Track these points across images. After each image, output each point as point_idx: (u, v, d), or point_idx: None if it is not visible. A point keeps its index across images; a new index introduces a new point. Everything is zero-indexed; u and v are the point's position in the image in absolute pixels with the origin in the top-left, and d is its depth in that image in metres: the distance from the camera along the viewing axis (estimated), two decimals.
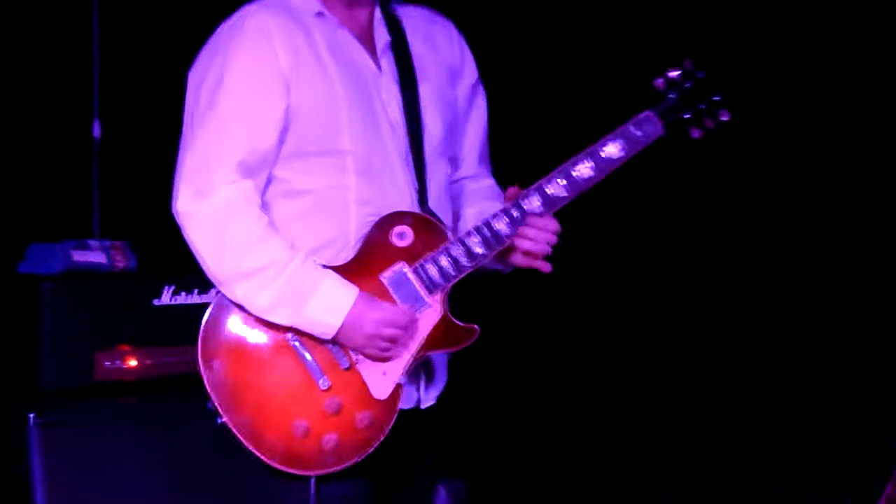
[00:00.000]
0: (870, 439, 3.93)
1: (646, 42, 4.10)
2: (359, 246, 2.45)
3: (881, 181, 4.01)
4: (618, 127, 2.45)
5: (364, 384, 2.42)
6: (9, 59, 3.87)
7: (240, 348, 2.41)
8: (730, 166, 4.10)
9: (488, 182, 2.71)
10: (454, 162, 2.65)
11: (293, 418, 2.38)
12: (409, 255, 2.44)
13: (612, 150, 2.44)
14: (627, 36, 4.26)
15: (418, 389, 2.53)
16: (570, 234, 2.49)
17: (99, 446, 3.10)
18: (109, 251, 3.35)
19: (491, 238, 2.45)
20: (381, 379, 2.43)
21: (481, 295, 2.56)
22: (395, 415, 2.42)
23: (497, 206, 2.52)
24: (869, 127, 4.00)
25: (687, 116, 2.47)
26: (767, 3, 4.00)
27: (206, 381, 2.40)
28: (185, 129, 2.47)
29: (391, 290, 2.44)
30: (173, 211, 2.42)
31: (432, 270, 2.44)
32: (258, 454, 2.39)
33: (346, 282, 2.40)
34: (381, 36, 2.54)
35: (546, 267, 2.47)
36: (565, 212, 2.48)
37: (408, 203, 2.49)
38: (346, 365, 2.42)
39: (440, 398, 2.58)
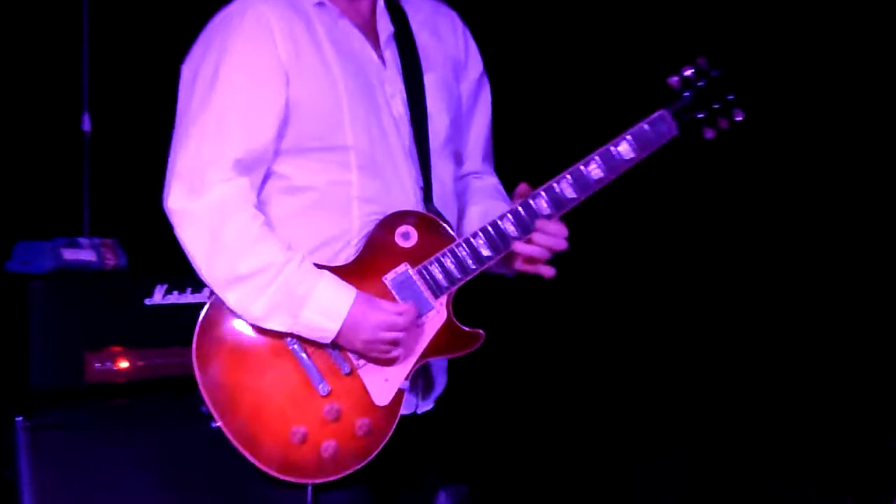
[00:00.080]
0: (870, 439, 4.01)
1: (658, 38, 4.12)
2: (361, 246, 2.40)
3: (883, 181, 4.02)
4: (630, 126, 2.41)
5: (365, 390, 2.37)
6: None
7: (237, 350, 2.36)
8: (729, 167, 4.11)
9: (492, 180, 2.67)
10: (457, 158, 2.60)
11: (291, 424, 2.34)
12: (414, 256, 2.39)
13: (623, 150, 2.40)
14: (639, 32, 4.27)
15: (416, 395, 2.49)
16: (570, 234, 2.45)
17: (89, 450, 3.09)
18: (100, 249, 3.35)
19: (497, 239, 2.40)
20: (383, 385, 2.38)
21: (480, 296, 2.52)
22: (396, 421, 2.38)
23: (501, 205, 2.49)
24: (876, 127, 4.01)
25: (701, 116, 2.43)
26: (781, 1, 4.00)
27: (200, 384, 2.35)
28: (178, 122, 2.41)
29: (394, 293, 2.39)
30: (165, 208, 2.37)
31: (437, 273, 2.39)
32: (254, 461, 2.34)
33: (343, 283, 2.35)
34: (385, 27, 2.50)
35: (548, 272, 2.43)
36: (565, 213, 2.45)
37: (412, 201, 2.44)
38: (347, 370, 2.37)
39: (438, 402, 2.54)
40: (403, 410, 2.40)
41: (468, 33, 2.64)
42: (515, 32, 4.33)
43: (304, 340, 2.35)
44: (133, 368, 3.22)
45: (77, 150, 3.91)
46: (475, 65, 2.63)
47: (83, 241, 3.34)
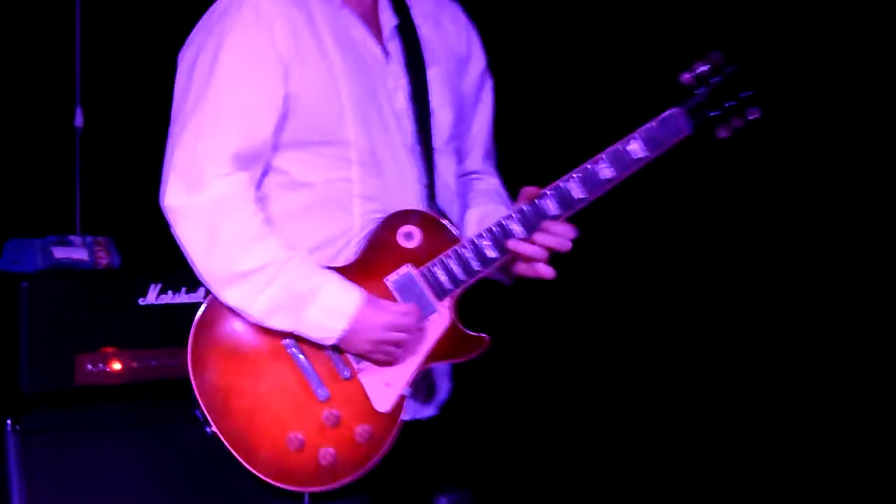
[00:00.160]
0: (869, 440, 3.99)
1: (669, 32, 4.11)
2: (362, 246, 2.36)
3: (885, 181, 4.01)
4: (641, 125, 2.34)
5: (365, 395, 2.33)
6: None
7: (233, 353, 2.32)
8: (730, 167, 4.09)
9: (494, 182, 2.64)
10: (458, 155, 2.56)
11: (288, 430, 2.30)
12: (417, 257, 2.35)
13: (634, 149, 2.34)
14: (649, 25, 4.26)
15: (419, 400, 2.44)
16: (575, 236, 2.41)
17: (80, 454, 3.07)
18: (92, 247, 3.32)
19: (503, 240, 2.36)
20: (384, 390, 2.33)
21: (481, 299, 2.49)
22: (397, 428, 2.34)
23: (502, 210, 2.45)
24: (883, 126, 4.01)
25: (715, 114, 2.38)
26: None
27: (195, 388, 2.31)
28: (174, 116, 2.37)
29: (397, 295, 2.35)
30: (161, 205, 2.33)
31: (441, 274, 2.35)
32: (249, 467, 2.30)
33: (349, 283, 2.31)
34: (388, 18, 2.45)
35: (548, 272, 2.38)
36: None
37: (415, 199, 2.40)
38: (347, 374, 2.33)
39: (443, 408, 2.50)
40: (407, 416, 2.37)
41: (472, 27, 2.60)
42: (520, 27, 4.34)
43: (302, 343, 2.31)
44: (126, 370, 3.18)
45: (69, 145, 3.88)
46: (478, 59, 2.59)
47: (75, 239, 3.30)
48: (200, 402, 2.30)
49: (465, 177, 2.60)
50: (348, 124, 2.34)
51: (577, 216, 2.38)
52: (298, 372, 2.31)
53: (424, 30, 2.48)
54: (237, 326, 2.32)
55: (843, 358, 4.09)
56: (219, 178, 2.29)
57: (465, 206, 2.56)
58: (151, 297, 3.23)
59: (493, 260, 2.35)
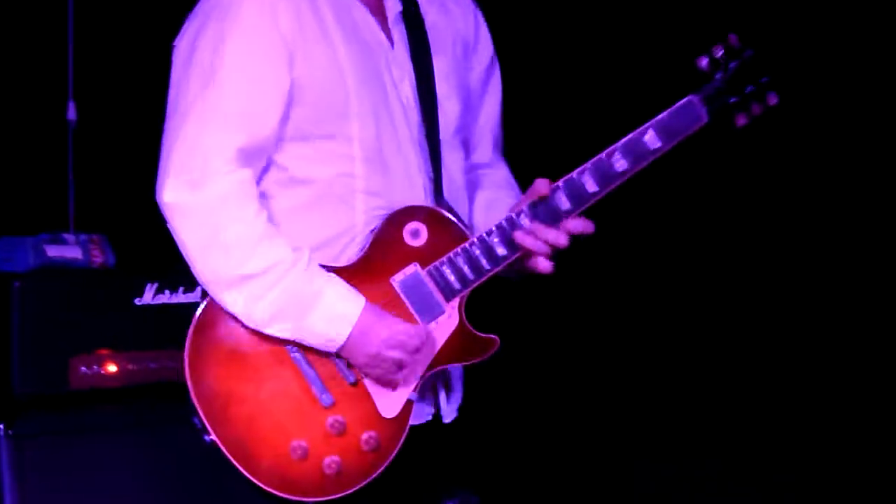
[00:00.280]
0: (870, 440, 4.01)
1: (681, 18, 4.07)
2: (366, 244, 2.31)
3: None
4: (657, 115, 2.29)
5: (371, 401, 2.29)
6: None
7: (233, 357, 2.27)
8: (731, 164, 4.08)
9: (503, 172, 2.60)
10: (466, 146, 2.53)
11: (291, 438, 2.25)
12: (423, 255, 2.30)
13: (649, 139, 2.29)
14: (662, 11, 4.22)
15: (436, 403, 2.41)
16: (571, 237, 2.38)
17: (75, 459, 3.03)
18: (86, 245, 3.27)
19: (513, 236, 2.31)
20: (390, 395, 2.29)
21: (485, 301, 2.45)
22: (405, 435, 2.30)
23: (511, 195, 2.45)
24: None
25: (733, 101, 2.32)
26: None
27: (192, 393, 2.26)
28: (172, 107, 2.31)
29: (403, 296, 2.31)
30: (159, 202, 2.27)
31: (449, 274, 2.31)
32: (251, 477, 2.25)
33: (352, 290, 2.26)
34: (393, 4, 2.40)
35: (546, 268, 2.32)
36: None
37: (421, 195, 2.36)
38: (353, 379, 2.28)
39: (461, 410, 2.47)
40: (417, 420, 2.34)
41: (479, 13, 2.58)
42: (530, 11, 4.30)
43: (306, 347, 2.27)
44: (122, 373, 3.13)
45: (61, 139, 3.87)
46: (486, 46, 2.55)
47: (68, 237, 3.27)
48: (199, 408, 2.25)
49: (473, 171, 2.56)
50: (353, 118, 2.29)
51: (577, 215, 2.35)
52: (301, 377, 2.26)
53: (430, 15, 2.43)
54: (237, 329, 2.27)
55: (844, 357, 4.08)
56: (223, 175, 2.23)
57: (472, 203, 2.53)
58: (148, 296, 3.19)
59: (503, 258, 2.31)
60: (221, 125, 2.23)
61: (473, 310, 2.40)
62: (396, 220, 2.29)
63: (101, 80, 3.94)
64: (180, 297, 3.18)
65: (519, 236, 2.29)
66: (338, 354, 2.26)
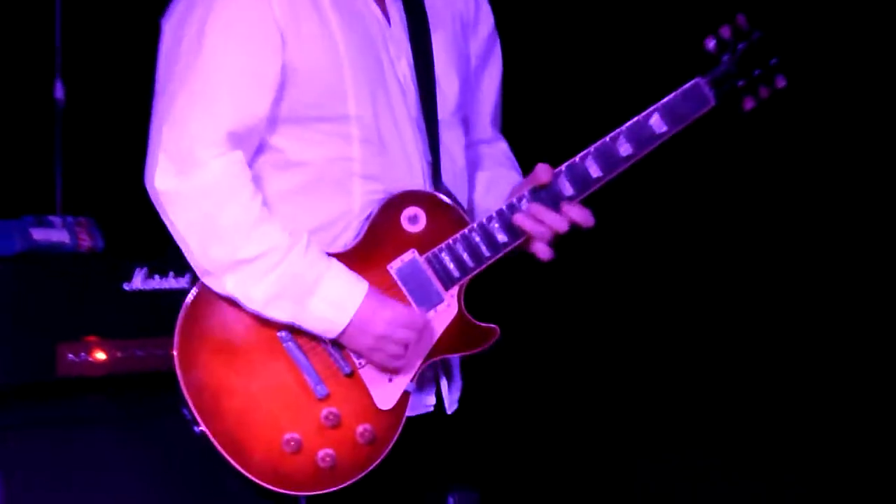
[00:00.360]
0: (871, 435, 4.04)
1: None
2: (363, 230, 2.27)
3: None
4: (663, 98, 2.26)
5: (367, 392, 2.25)
6: None
7: (224, 347, 2.24)
8: (732, 161, 4.10)
9: (502, 146, 2.57)
10: (465, 125, 2.49)
11: (284, 431, 2.22)
12: (422, 242, 2.27)
13: (655, 123, 2.26)
14: None
15: (438, 393, 2.38)
16: (569, 231, 2.36)
17: (62, 451, 2.99)
18: (73, 228, 3.22)
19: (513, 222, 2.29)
20: (387, 386, 2.26)
21: (478, 291, 2.42)
22: (401, 427, 2.27)
23: (512, 174, 2.44)
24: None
25: (741, 84, 2.30)
26: None
27: (182, 384, 2.22)
28: (160, 88, 2.27)
29: (400, 283, 2.27)
30: (149, 188, 2.24)
31: (448, 261, 2.28)
32: (242, 470, 2.22)
33: (354, 274, 2.23)
34: None
35: (545, 254, 2.30)
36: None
37: (419, 178, 2.32)
38: (348, 370, 2.24)
39: (460, 402, 2.45)
40: (414, 412, 2.31)
41: None
42: None
43: (299, 337, 2.23)
44: (111, 361, 3.08)
45: (48, 118, 3.80)
46: (486, 21, 2.51)
47: (55, 219, 3.22)
48: (189, 400, 2.21)
49: (472, 148, 2.52)
50: (349, 98, 2.25)
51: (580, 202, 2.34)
52: (295, 368, 2.23)
53: None
54: (228, 318, 2.23)
55: (844, 356, 4.08)
56: (213, 159, 2.19)
57: (473, 183, 2.49)
58: (137, 281, 3.15)
59: (504, 245, 2.29)
60: (210, 108, 2.20)
61: (473, 299, 2.36)
62: (394, 204, 2.26)
63: (90, 58, 3.89)
64: (171, 282, 3.14)
65: (518, 218, 2.26)
66: (334, 343, 2.23)
